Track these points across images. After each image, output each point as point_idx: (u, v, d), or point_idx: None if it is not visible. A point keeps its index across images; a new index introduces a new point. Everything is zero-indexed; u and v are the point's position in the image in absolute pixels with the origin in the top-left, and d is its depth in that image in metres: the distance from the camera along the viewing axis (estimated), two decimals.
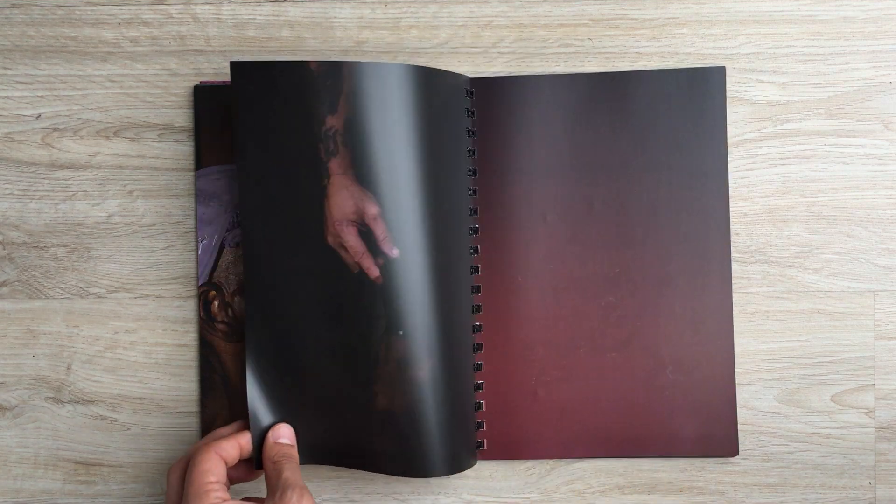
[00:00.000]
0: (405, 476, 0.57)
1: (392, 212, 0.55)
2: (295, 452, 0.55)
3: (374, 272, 0.55)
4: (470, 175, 0.60)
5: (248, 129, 0.56)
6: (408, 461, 0.57)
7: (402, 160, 0.55)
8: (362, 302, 0.55)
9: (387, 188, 0.55)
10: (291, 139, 0.55)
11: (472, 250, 0.60)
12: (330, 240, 0.55)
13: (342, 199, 0.55)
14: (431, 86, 0.56)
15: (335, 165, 0.55)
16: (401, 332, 0.55)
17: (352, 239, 0.55)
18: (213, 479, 0.51)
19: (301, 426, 0.57)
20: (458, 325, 0.58)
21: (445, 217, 0.57)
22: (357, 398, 0.56)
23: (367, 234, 0.55)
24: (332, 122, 0.55)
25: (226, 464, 0.53)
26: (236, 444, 0.54)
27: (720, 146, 0.59)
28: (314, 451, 0.57)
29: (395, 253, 0.55)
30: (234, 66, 0.55)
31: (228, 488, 0.53)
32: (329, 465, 0.59)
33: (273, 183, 0.56)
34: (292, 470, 0.53)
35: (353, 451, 0.57)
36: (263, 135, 0.56)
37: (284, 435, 0.56)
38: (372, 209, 0.55)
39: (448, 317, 0.57)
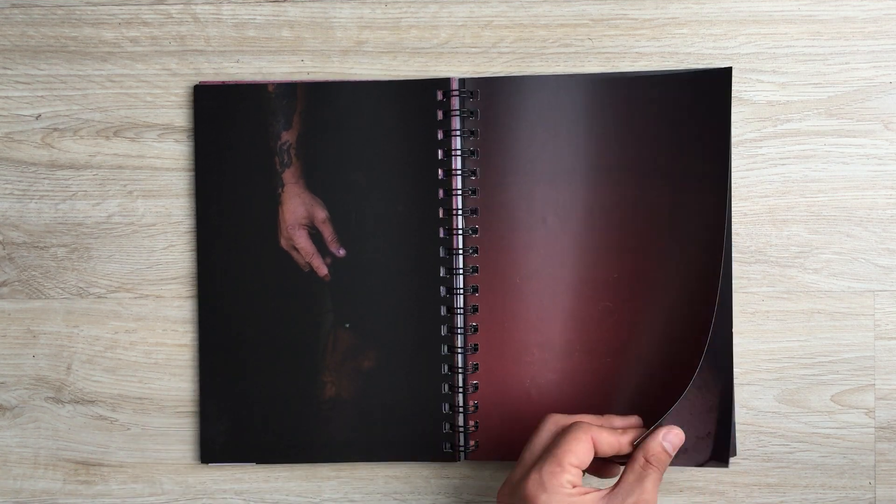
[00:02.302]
0: (351, 461, 0.60)
1: (340, 216, 0.60)
2: (667, 463, 0.53)
3: (322, 270, 0.60)
4: (470, 176, 0.60)
5: (208, 143, 0.61)
6: (356, 447, 0.60)
7: (350, 169, 0.60)
8: (312, 298, 0.60)
9: (335, 194, 0.60)
10: (250, 153, 0.60)
11: (471, 250, 0.60)
12: (283, 243, 0.60)
13: (294, 206, 0.60)
14: (388, 98, 0.60)
15: (289, 175, 0.60)
16: (347, 325, 0.60)
17: (303, 241, 0.60)
18: (574, 461, 0.51)
19: (252, 423, 0.60)
20: (411, 319, 0.60)
21: (400, 219, 0.60)
22: (307, 389, 0.60)
23: (316, 236, 0.60)
24: (287, 136, 0.60)
25: (596, 454, 0.52)
26: (616, 444, 0.53)
27: (723, 148, 0.59)
28: (264, 451, 0.60)
29: (341, 253, 0.60)
30: (198, 88, 0.60)
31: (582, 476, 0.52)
32: (280, 463, 0.60)
33: (230, 192, 0.60)
34: (655, 482, 0.52)
35: (304, 443, 0.60)
36: (223, 149, 0.61)
37: (673, 442, 0.53)
38: (321, 214, 0.60)
39: (396, 311, 0.60)
